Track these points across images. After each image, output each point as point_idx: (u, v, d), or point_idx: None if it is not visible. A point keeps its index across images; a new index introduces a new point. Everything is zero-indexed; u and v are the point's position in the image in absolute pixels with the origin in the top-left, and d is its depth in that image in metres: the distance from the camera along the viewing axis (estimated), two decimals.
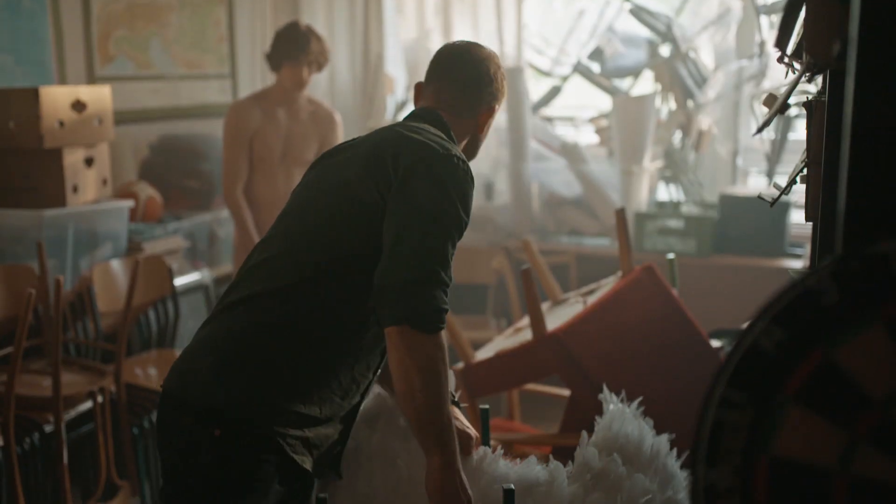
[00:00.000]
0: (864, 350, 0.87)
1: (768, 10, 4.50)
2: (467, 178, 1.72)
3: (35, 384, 3.08)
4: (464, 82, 1.88)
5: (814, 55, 1.19)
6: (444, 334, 1.65)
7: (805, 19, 1.18)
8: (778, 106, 1.32)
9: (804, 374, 0.89)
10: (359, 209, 1.70)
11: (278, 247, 1.76)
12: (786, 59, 1.43)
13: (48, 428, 2.95)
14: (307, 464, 1.67)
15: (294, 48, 3.61)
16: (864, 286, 0.87)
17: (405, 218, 1.64)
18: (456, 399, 1.96)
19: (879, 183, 0.92)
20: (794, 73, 1.49)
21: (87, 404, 3.12)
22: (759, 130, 1.46)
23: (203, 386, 1.65)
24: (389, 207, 1.67)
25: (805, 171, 1.97)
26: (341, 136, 3.85)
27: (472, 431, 1.90)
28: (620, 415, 1.92)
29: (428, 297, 1.59)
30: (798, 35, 1.61)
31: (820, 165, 1.81)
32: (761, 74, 4.53)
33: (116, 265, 3.48)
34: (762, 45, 4.49)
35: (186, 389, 1.67)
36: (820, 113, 1.82)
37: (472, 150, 1.96)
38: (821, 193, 1.74)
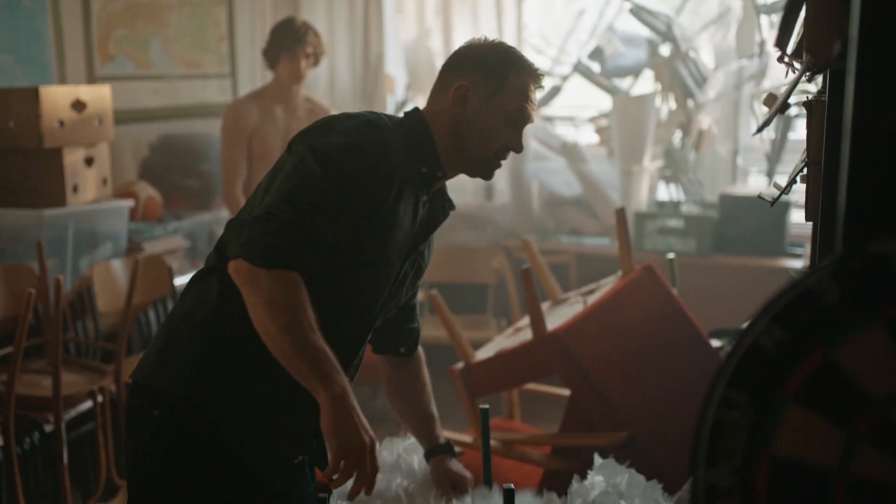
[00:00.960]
0: (865, 350, 0.87)
1: (768, 10, 4.50)
2: (362, 135, 1.63)
3: (35, 384, 3.08)
4: (443, 67, 1.81)
5: (814, 54, 1.19)
6: (293, 279, 1.55)
7: (805, 18, 1.18)
8: (778, 106, 1.32)
9: (804, 373, 0.88)
10: None
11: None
12: (786, 59, 1.43)
13: (48, 427, 2.95)
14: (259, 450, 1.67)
15: (290, 40, 3.62)
16: (865, 286, 0.87)
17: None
18: (452, 448, 1.96)
19: (879, 182, 0.92)
20: (794, 72, 1.49)
21: (88, 404, 3.12)
22: (759, 130, 1.46)
23: (148, 366, 1.68)
24: None
25: (805, 170, 1.97)
26: None
27: (467, 474, 1.88)
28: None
29: (261, 231, 1.53)
30: (798, 34, 1.61)
31: (820, 165, 1.81)
32: (761, 74, 4.53)
33: (116, 265, 3.48)
34: (762, 44, 4.49)
35: (137, 372, 1.71)
36: (820, 112, 1.82)
37: (463, 138, 1.75)
38: (821, 193, 1.74)
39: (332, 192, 1.57)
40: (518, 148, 1.78)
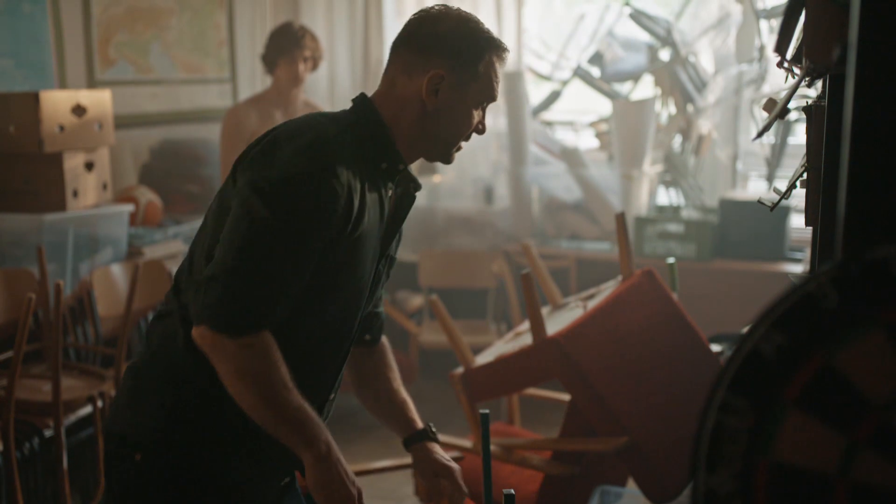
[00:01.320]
0: (864, 355, 0.87)
1: (768, 15, 4.50)
2: (306, 161, 1.50)
3: (35, 389, 3.08)
4: (405, 52, 1.65)
5: (813, 60, 1.19)
6: (262, 338, 1.48)
7: (805, 24, 1.18)
8: (777, 111, 1.32)
9: (804, 379, 0.88)
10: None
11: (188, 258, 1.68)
12: (786, 64, 1.43)
13: (48, 432, 2.95)
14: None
15: (288, 44, 3.63)
16: (864, 291, 0.87)
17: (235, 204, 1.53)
18: (433, 431, 1.88)
19: (879, 188, 0.92)
20: (794, 77, 1.49)
21: (87, 409, 3.12)
22: (759, 135, 1.46)
23: (122, 415, 1.63)
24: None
25: (805, 175, 1.97)
26: None
27: (453, 463, 1.81)
28: None
29: (220, 295, 1.45)
30: (798, 39, 1.61)
31: (820, 170, 1.82)
32: (761, 79, 4.54)
33: (116, 269, 3.48)
34: (762, 49, 4.49)
35: (111, 422, 1.66)
36: (819, 118, 1.82)
37: (432, 127, 1.64)
38: (820, 198, 1.74)
39: (286, 233, 1.47)
40: (484, 129, 1.70)
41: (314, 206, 1.48)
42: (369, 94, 1.69)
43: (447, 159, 1.71)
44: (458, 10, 1.66)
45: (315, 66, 3.76)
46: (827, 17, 1.13)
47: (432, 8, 1.67)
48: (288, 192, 1.47)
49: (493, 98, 1.67)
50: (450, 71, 1.60)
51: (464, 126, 1.65)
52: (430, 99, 1.61)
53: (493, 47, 1.64)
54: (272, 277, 1.47)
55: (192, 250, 1.65)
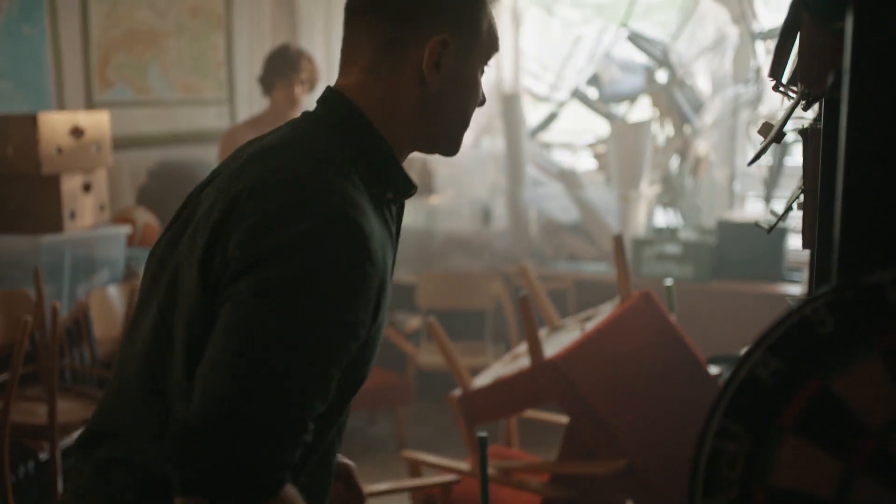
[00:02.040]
0: (861, 380, 0.87)
1: (764, 36, 4.53)
2: (356, 251, 1.10)
3: (30, 411, 3.06)
4: (382, 21, 1.24)
5: (808, 84, 1.19)
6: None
7: (799, 49, 1.19)
8: (773, 135, 1.32)
9: (801, 404, 0.88)
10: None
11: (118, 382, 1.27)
12: (781, 88, 1.43)
13: (43, 456, 2.93)
14: None
15: (286, 67, 3.65)
16: (860, 316, 0.87)
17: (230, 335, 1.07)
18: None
19: (874, 213, 0.92)
20: (789, 100, 1.50)
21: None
22: (754, 160, 1.47)
23: None
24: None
25: (802, 197, 1.98)
26: None
27: (349, 462, 1.50)
28: None
29: (224, 455, 1.00)
30: (793, 63, 1.62)
31: (816, 193, 1.82)
32: (758, 100, 4.55)
33: (113, 291, 3.47)
34: (758, 70, 4.51)
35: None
36: (816, 140, 1.82)
37: (437, 113, 1.27)
38: (817, 220, 1.75)
39: (319, 338, 1.07)
40: (484, 99, 1.34)
41: (350, 289, 1.10)
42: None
43: (457, 147, 1.35)
44: None
45: (312, 88, 3.78)
46: (821, 42, 1.14)
47: None
48: (310, 289, 1.08)
49: (497, 49, 1.33)
50: (453, 34, 1.24)
51: (473, 99, 1.31)
52: (433, 75, 1.24)
53: None
54: (297, 405, 1.06)
55: (150, 350, 1.20)
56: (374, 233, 1.13)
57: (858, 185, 0.92)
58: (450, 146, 1.34)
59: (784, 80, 1.59)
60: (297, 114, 3.76)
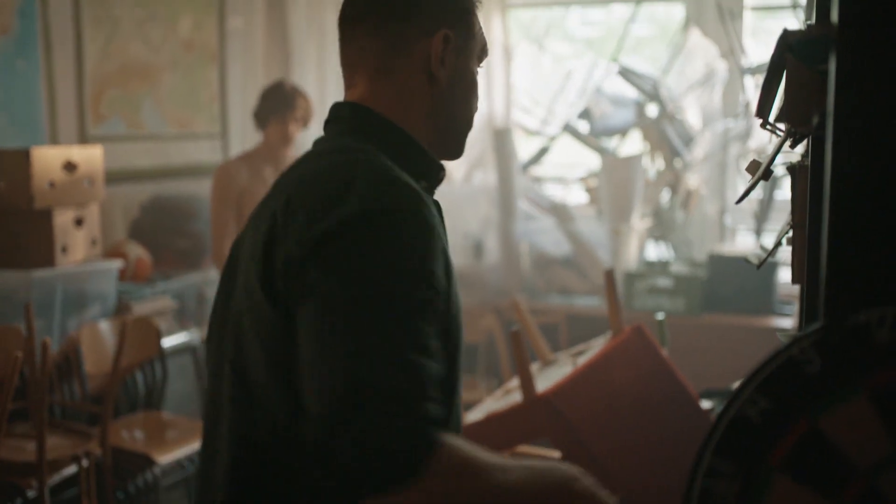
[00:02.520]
0: (849, 420, 0.87)
1: (753, 71, 4.57)
2: (418, 215, 1.11)
3: (19, 448, 3.04)
4: (381, 24, 1.25)
5: (794, 124, 1.21)
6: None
7: (785, 88, 1.20)
8: (760, 174, 1.34)
9: (789, 443, 0.88)
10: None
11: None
12: (769, 126, 1.45)
13: (31, 493, 2.91)
14: None
15: (281, 105, 3.67)
16: (847, 356, 0.87)
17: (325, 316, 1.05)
18: None
19: (860, 253, 0.93)
20: (777, 136, 1.51)
21: (72, 468, 3.08)
22: (742, 198, 1.48)
23: None
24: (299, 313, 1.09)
25: (791, 233, 1.99)
26: None
27: None
28: None
29: (373, 426, 0.98)
30: (780, 101, 1.64)
31: (804, 229, 1.83)
32: (747, 134, 4.59)
33: (104, 326, 3.46)
34: (747, 105, 4.55)
35: None
36: (804, 177, 1.84)
37: (444, 110, 1.28)
38: (806, 256, 1.76)
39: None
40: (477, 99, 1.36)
41: (425, 248, 1.11)
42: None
43: (461, 149, 1.36)
44: None
45: (306, 125, 3.79)
46: (806, 82, 1.15)
47: None
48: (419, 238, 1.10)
49: (486, 52, 1.35)
50: (452, 30, 1.26)
51: (475, 98, 1.32)
52: (440, 71, 1.25)
53: None
54: (426, 360, 1.04)
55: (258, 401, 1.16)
56: (422, 194, 1.14)
57: (844, 225, 0.93)
58: (456, 147, 1.35)
59: (772, 117, 1.61)
60: (291, 150, 3.79)
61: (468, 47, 1.28)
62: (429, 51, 1.24)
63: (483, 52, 1.33)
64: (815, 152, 1.65)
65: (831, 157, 0.92)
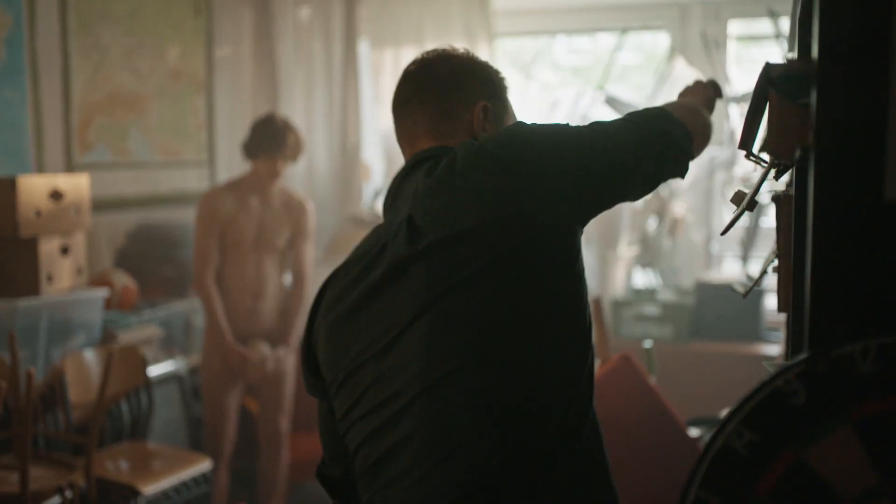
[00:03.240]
0: (835, 451, 0.87)
1: (737, 100, 4.61)
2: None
3: (2, 479, 3.00)
4: (431, 99, 1.52)
5: (777, 156, 1.22)
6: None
7: (768, 121, 1.22)
8: (744, 205, 1.35)
9: (775, 475, 0.89)
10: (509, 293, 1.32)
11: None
12: (752, 157, 1.47)
13: None
14: None
15: (272, 142, 3.66)
16: (832, 388, 0.88)
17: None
18: None
19: (843, 285, 0.94)
20: (762, 167, 1.53)
21: (56, 500, 3.04)
22: (727, 230, 1.49)
23: None
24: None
25: (776, 262, 2.00)
26: (313, 224, 3.88)
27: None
28: None
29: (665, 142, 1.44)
30: (764, 132, 1.65)
31: (789, 258, 1.84)
32: (732, 161, 4.62)
33: (89, 355, 3.44)
34: (732, 133, 4.59)
35: None
36: (788, 206, 1.85)
37: None
38: (791, 286, 1.77)
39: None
40: None
41: None
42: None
43: None
44: (454, 48, 1.60)
45: (295, 160, 3.78)
46: (788, 115, 1.16)
47: (430, 53, 1.58)
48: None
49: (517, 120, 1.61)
50: (490, 101, 1.53)
51: None
52: (481, 134, 1.50)
53: (502, 75, 1.61)
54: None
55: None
56: None
57: (827, 257, 0.94)
58: None
59: (756, 148, 1.62)
60: (279, 183, 3.77)
61: (503, 116, 1.54)
62: (472, 118, 1.49)
63: (515, 118, 1.57)
64: (799, 183, 1.67)
65: (814, 190, 0.93)
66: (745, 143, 1.34)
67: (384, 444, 1.37)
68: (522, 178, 1.31)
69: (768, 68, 1.15)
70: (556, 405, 1.31)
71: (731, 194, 4.75)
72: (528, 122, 1.42)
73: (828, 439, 0.87)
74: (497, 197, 1.31)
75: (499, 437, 1.27)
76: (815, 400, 0.88)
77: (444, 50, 1.56)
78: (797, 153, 1.11)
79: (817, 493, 0.88)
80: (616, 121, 1.45)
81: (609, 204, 1.41)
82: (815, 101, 0.94)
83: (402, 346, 1.35)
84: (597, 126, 1.41)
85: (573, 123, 1.44)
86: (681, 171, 1.49)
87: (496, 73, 1.57)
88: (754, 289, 4.06)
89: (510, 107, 1.58)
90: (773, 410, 0.89)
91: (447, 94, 1.50)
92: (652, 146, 1.41)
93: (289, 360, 3.83)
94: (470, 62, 1.55)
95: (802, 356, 0.89)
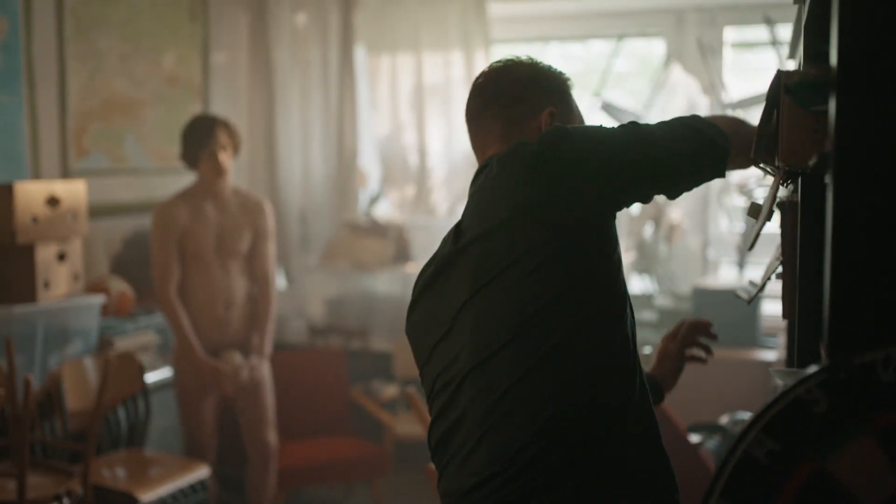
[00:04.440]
0: (856, 459, 0.87)
1: (734, 106, 4.62)
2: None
3: None
4: (501, 112, 1.62)
5: (790, 164, 1.22)
6: None
7: (780, 129, 1.21)
8: (765, 216, 1.35)
9: (797, 483, 0.88)
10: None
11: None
12: (761, 166, 1.47)
13: None
14: None
15: (203, 136, 3.57)
16: (853, 395, 0.87)
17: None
18: None
19: (863, 292, 0.94)
20: (770, 175, 1.53)
21: None
22: (752, 245, 1.51)
23: None
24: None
25: (780, 268, 2.00)
26: (273, 224, 3.79)
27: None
28: None
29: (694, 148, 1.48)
30: (761, 141, 1.65)
31: (794, 264, 1.84)
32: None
33: (87, 362, 3.42)
34: None
35: None
36: (793, 213, 1.85)
37: None
38: (797, 292, 1.77)
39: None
40: None
41: None
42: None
43: None
44: (519, 56, 1.69)
45: (236, 152, 3.69)
46: (801, 123, 1.16)
47: (496, 65, 1.68)
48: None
49: (584, 121, 1.71)
50: (556, 105, 1.62)
51: None
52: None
53: (565, 76, 1.68)
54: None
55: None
56: None
57: (846, 264, 0.94)
58: None
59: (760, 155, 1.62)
60: (228, 182, 3.70)
61: (569, 116, 1.62)
62: (540, 124, 1.58)
63: (582, 120, 1.67)
64: (807, 191, 1.66)
65: (833, 198, 0.93)
66: (758, 154, 1.34)
67: (445, 425, 1.51)
68: (553, 169, 1.39)
69: (782, 76, 1.15)
70: (599, 386, 1.38)
71: (727, 201, 4.74)
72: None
73: (849, 447, 0.87)
74: (528, 186, 1.39)
75: (538, 417, 1.35)
76: (836, 408, 0.88)
77: (509, 60, 1.65)
78: (812, 161, 1.11)
79: (839, 501, 0.87)
80: (649, 123, 1.51)
81: (638, 195, 1.47)
82: (834, 108, 0.94)
83: (454, 335, 1.48)
84: (630, 125, 1.48)
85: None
86: (719, 170, 1.51)
87: (559, 75, 1.65)
88: (747, 295, 4.05)
89: (575, 107, 1.65)
90: (794, 419, 0.89)
91: (514, 105, 1.60)
92: (685, 143, 1.45)
93: (263, 368, 3.73)
94: (534, 71, 1.63)
95: (823, 364, 0.89)
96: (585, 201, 1.40)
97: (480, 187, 1.50)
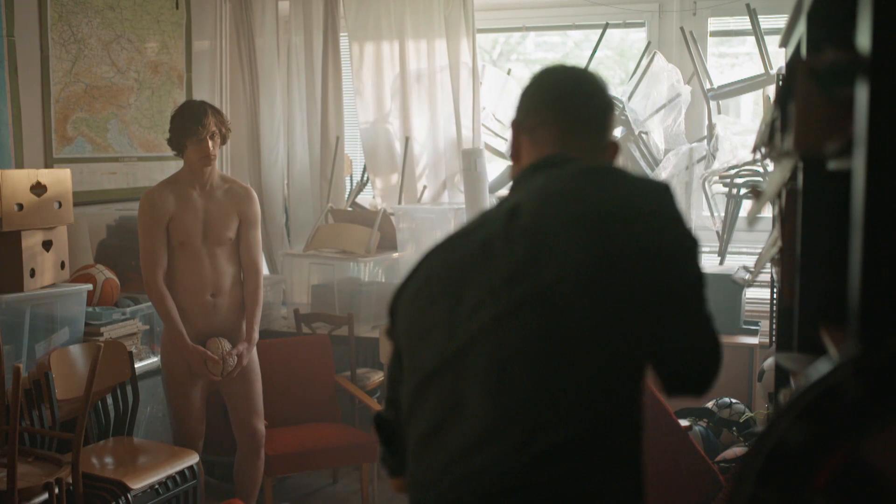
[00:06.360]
0: (891, 445, 0.88)
1: (716, 96, 4.66)
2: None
3: None
4: (590, 119, 1.68)
5: (804, 151, 1.23)
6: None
7: (796, 116, 1.22)
8: (771, 198, 1.36)
9: (831, 469, 0.90)
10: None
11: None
12: (769, 153, 1.48)
13: None
14: None
15: (191, 123, 3.52)
16: (889, 380, 0.89)
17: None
18: None
19: (893, 278, 0.95)
20: (776, 164, 1.54)
21: (44, 496, 3.01)
22: (751, 222, 1.52)
23: None
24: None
25: (778, 255, 2.02)
26: (258, 210, 3.77)
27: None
28: None
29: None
30: (763, 130, 1.66)
31: (793, 252, 1.86)
32: (711, 156, 4.66)
33: (75, 350, 3.39)
34: (711, 128, 4.63)
35: None
36: (793, 200, 1.87)
37: None
38: (798, 278, 1.79)
39: None
40: None
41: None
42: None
43: None
44: (598, 76, 1.73)
45: (224, 140, 3.65)
46: (819, 109, 1.17)
47: (588, 81, 1.71)
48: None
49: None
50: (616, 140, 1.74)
51: None
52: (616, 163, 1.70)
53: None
54: None
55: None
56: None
57: (877, 251, 0.95)
58: None
59: (759, 143, 1.64)
60: (213, 168, 3.67)
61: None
62: (604, 151, 1.69)
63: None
64: (810, 177, 1.68)
65: (864, 184, 0.94)
66: (771, 143, 1.35)
67: (443, 408, 1.47)
68: (686, 256, 1.56)
69: (804, 62, 1.16)
70: (613, 392, 1.42)
71: (711, 188, 4.75)
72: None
73: (884, 433, 0.89)
74: (603, 241, 1.44)
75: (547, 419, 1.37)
76: (870, 394, 0.89)
77: (597, 81, 1.70)
78: (833, 147, 1.12)
79: (873, 486, 0.89)
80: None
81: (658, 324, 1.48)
82: (866, 92, 0.95)
83: (508, 319, 1.45)
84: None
85: None
86: (696, 386, 1.49)
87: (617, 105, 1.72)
88: (733, 279, 4.08)
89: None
90: (828, 405, 0.90)
91: (602, 132, 1.69)
92: (712, 346, 1.50)
93: (252, 355, 3.71)
94: (611, 102, 1.71)
95: (857, 351, 0.90)
96: (661, 298, 1.48)
97: (558, 194, 1.52)
